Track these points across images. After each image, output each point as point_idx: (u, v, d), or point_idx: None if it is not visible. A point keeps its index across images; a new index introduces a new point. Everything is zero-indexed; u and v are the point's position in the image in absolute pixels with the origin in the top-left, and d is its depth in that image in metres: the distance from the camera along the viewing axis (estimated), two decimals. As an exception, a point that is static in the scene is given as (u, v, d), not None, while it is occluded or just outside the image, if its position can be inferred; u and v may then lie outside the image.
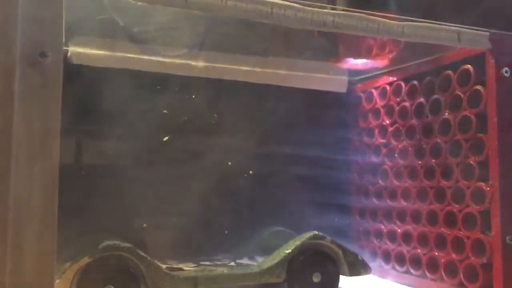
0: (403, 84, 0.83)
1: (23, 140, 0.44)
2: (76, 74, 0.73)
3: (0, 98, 0.44)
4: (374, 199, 0.88)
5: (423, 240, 0.77)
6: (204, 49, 0.84)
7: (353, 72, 0.93)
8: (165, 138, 0.83)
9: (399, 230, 0.82)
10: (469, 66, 0.70)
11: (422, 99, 0.78)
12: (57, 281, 0.57)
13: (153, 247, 0.76)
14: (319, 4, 0.60)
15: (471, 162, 0.69)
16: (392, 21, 0.60)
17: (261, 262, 0.69)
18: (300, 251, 0.69)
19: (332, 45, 0.86)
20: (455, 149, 0.72)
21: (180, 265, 0.70)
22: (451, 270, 0.71)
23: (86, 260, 0.59)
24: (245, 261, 0.76)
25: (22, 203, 0.44)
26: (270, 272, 0.67)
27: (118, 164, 0.81)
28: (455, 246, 0.71)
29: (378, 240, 0.86)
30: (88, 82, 0.76)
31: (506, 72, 0.65)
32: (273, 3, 0.54)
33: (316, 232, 0.70)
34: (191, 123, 0.85)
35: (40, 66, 0.45)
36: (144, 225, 0.81)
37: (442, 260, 0.72)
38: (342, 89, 0.94)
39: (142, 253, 0.62)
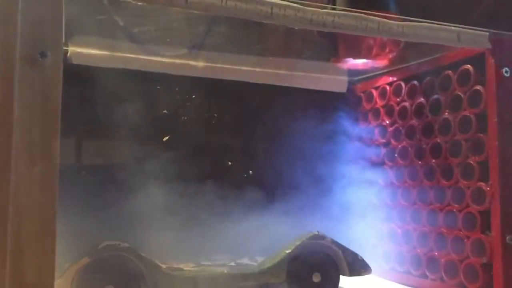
0: (403, 84, 0.83)
1: (23, 140, 0.44)
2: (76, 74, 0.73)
3: (0, 98, 0.44)
4: (374, 199, 0.88)
5: (423, 240, 0.77)
6: (204, 49, 0.84)
7: (353, 72, 0.93)
8: (165, 138, 0.83)
9: (399, 230, 0.82)
10: (469, 66, 0.70)
11: (422, 99, 0.78)
12: (57, 281, 0.57)
13: (153, 247, 0.76)
14: (319, 4, 0.60)
15: (471, 162, 0.69)
16: (392, 21, 0.60)
17: (261, 262, 0.69)
18: (300, 251, 0.69)
19: (332, 45, 0.86)
20: (455, 149, 0.72)
21: (180, 265, 0.70)
22: (451, 270, 0.71)
23: (86, 260, 0.59)
24: (245, 261, 0.76)
25: (22, 203, 0.44)
26: (270, 272, 0.67)
27: (118, 164, 0.81)
28: (455, 246, 0.71)
29: (378, 240, 0.86)
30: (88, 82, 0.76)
31: (506, 72, 0.65)
32: (273, 3, 0.54)
33: (316, 232, 0.70)
34: (190, 122, 0.85)
35: (40, 66, 0.45)
36: (144, 224, 0.80)
37: (442, 260, 0.72)
38: (342, 89, 0.94)
39: (142, 253, 0.62)
